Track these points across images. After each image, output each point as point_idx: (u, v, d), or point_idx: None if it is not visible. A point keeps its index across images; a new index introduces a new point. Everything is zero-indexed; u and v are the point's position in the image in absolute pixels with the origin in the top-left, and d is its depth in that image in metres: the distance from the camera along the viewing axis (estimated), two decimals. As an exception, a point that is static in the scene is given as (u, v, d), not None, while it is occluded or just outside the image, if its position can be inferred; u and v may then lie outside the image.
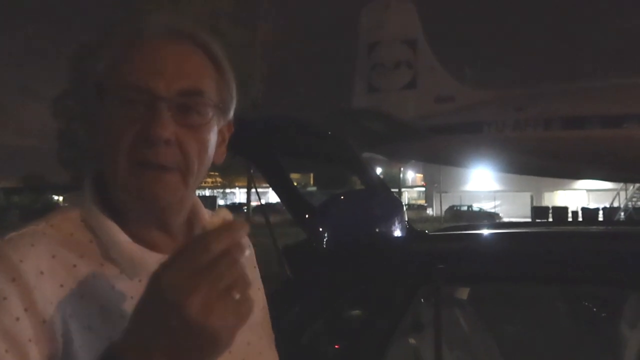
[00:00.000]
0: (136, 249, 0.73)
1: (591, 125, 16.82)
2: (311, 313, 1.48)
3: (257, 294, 0.90)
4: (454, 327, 2.12)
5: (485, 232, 2.11)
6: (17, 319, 0.63)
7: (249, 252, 0.89)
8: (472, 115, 18.85)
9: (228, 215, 0.63)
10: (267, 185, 2.04)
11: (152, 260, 0.71)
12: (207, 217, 0.81)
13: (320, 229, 1.57)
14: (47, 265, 0.68)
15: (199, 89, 0.72)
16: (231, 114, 0.80)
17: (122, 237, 0.72)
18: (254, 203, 33.03)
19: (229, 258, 0.57)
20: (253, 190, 30.55)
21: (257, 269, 0.93)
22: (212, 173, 33.43)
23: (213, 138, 0.75)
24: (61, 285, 0.67)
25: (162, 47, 0.72)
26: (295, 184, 1.85)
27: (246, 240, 0.88)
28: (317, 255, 1.58)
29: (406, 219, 1.96)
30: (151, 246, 0.75)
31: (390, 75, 21.16)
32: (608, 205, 26.85)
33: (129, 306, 0.68)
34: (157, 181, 0.70)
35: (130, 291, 0.70)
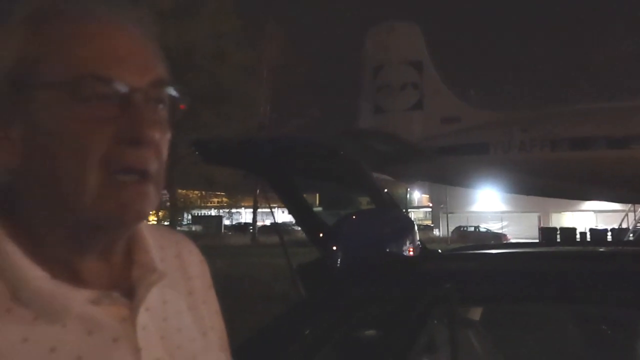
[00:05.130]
0: (55, 285, 0.57)
1: (597, 146, 16.79)
2: (325, 332, 1.47)
3: (215, 317, 0.76)
4: (467, 348, 2.09)
5: (499, 251, 2.10)
6: None
7: (202, 269, 0.77)
8: (478, 136, 18.86)
9: None
10: (271, 205, 2.04)
11: (79, 298, 0.58)
12: (148, 239, 0.67)
13: (335, 248, 1.57)
14: None
15: (165, 79, 0.61)
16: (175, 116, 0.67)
17: (35, 272, 0.56)
18: (259, 223, 33.07)
19: None
20: (259, 210, 30.65)
21: (213, 289, 0.78)
22: (218, 193, 33.55)
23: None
24: None
25: (113, 30, 0.58)
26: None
27: (199, 256, 0.77)
28: (332, 275, 1.58)
29: (418, 238, 1.96)
30: (77, 280, 0.59)
31: (396, 96, 21.27)
32: (617, 227, 26.60)
33: None
34: (139, 191, 0.57)
35: (50, 340, 0.55)
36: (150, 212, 0.61)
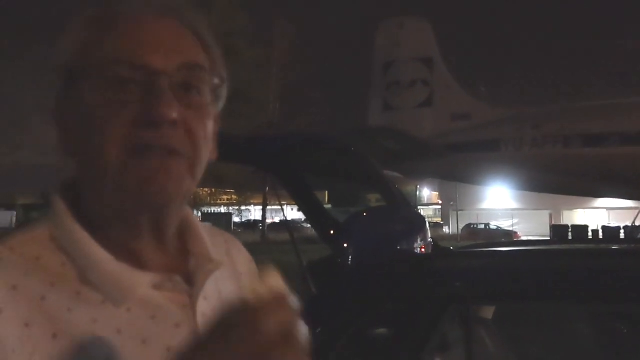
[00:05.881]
0: (121, 268, 0.59)
1: (611, 142, 16.60)
2: (336, 331, 1.46)
3: None
4: (480, 346, 2.07)
5: (510, 249, 2.07)
6: None
7: (250, 267, 0.79)
8: (489, 132, 18.74)
9: (278, 282, 0.49)
10: (281, 202, 2.03)
11: (143, 281, 0.60)
12: (201, 230, 0.70)
13: (346, 246, 1.56)
14: (7, 300, 0.54)
15: (199, 63, 0.63)
16: (221, 104, 0.70)
17: (102, 255, 0.59)
18: (269, 220, 33.15)
19: (289, 343, 0.45)
20: (269, 207, 30.73)
21: None
22: (228, 190, 33.65)
23: (212, 126, 0.65)
24: (26, 325, 0.54)
25: (148, 22, 0.62)
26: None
27: (247, 254, 0.80)
28: (343, 272, 1.56)
29: (430, 236, 1.94)
30: (139, 264, 0.62)
31: (406, 93, 21.19)
32: (629, 224, 26.29)
33: (116, 342, 0.56)
34: (162, 167, 0.58)
35: (117, 323, 0.58)
36: (181, 190, 0.61)
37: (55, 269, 0.58)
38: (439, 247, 1.92)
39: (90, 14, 0.64)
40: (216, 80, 0.66)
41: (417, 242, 1.84)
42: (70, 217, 0.61)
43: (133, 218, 0.62)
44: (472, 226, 35.29)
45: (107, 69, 0.59)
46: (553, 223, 32.16)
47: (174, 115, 0.59)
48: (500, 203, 38.45)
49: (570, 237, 25.24)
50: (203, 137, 0.62)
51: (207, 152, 0.64)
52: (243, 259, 0.79)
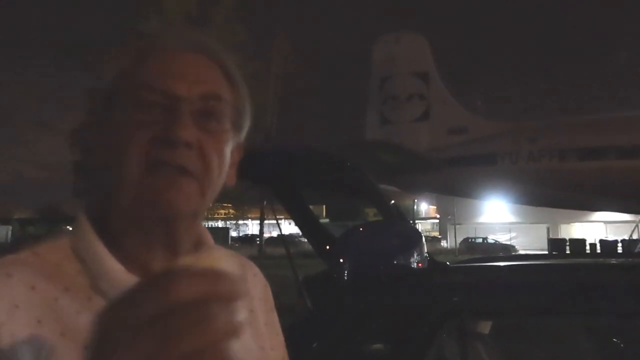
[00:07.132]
0: (129, 278, 0.64)
1: (607, 156, 16.66)
2: (332, 346, 1.45)
3: (276, 339, 0.81)
4: (477, 362, 2.06)
5: (507, 263, 2.07)
6: None
7: (265, 292, 0.83)
8: (485, 146, 18.79)
9: (218, 263, 0.43)
10: (277, 217, 2.03)
11: None
12: (217, 248, 0.75)
13: (342, 260, 1.56)
14: (24, 298, 0.60)
15: (219, 94, 0.69)
16: (244, 134, 0.76)
17: (113, 266, 0.65)
18: (266, 235, 33.05)
19: (199, 312, 0.40)
20: (266, 221, 30.67)
21: (275, 312, 0.84)
22: (225, 205, 33.61)
23: (229, 152, 0.71)
24: (38, 321, 0.60)
25: (178, 54, 0.69)
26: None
27: (262, 280, 0.85)
28: (339, 287, 1.56)
29: (426, 251, 1.94)
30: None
31: (402, 107, 21.28)
32: (627, 238, 26.28)
33: None
34: (173, 184, 0.64)
35: None
36: (189, 205, 0.66)
37: (72, 276, 0.65)
38: (434, 262, 1.92)
39: (131, 48, 0.71)
40: (237, 112, 0.72)
41: (413, 256, 1.84)
42: (91, 231, 0.67)
43: (147, 227, 0.67)
44: (470, 240, 35.27)
45: (136, 93, 0.66)
46: (551, 237, 32.15)
47: (189, 137, 0.64)
48: (498, 217, 38.47)
49: (568, 251, 25.23)
50: (216, 161, 0.68)
51: (221, 175, 0.69)
52: (258, 283, 0.84)
